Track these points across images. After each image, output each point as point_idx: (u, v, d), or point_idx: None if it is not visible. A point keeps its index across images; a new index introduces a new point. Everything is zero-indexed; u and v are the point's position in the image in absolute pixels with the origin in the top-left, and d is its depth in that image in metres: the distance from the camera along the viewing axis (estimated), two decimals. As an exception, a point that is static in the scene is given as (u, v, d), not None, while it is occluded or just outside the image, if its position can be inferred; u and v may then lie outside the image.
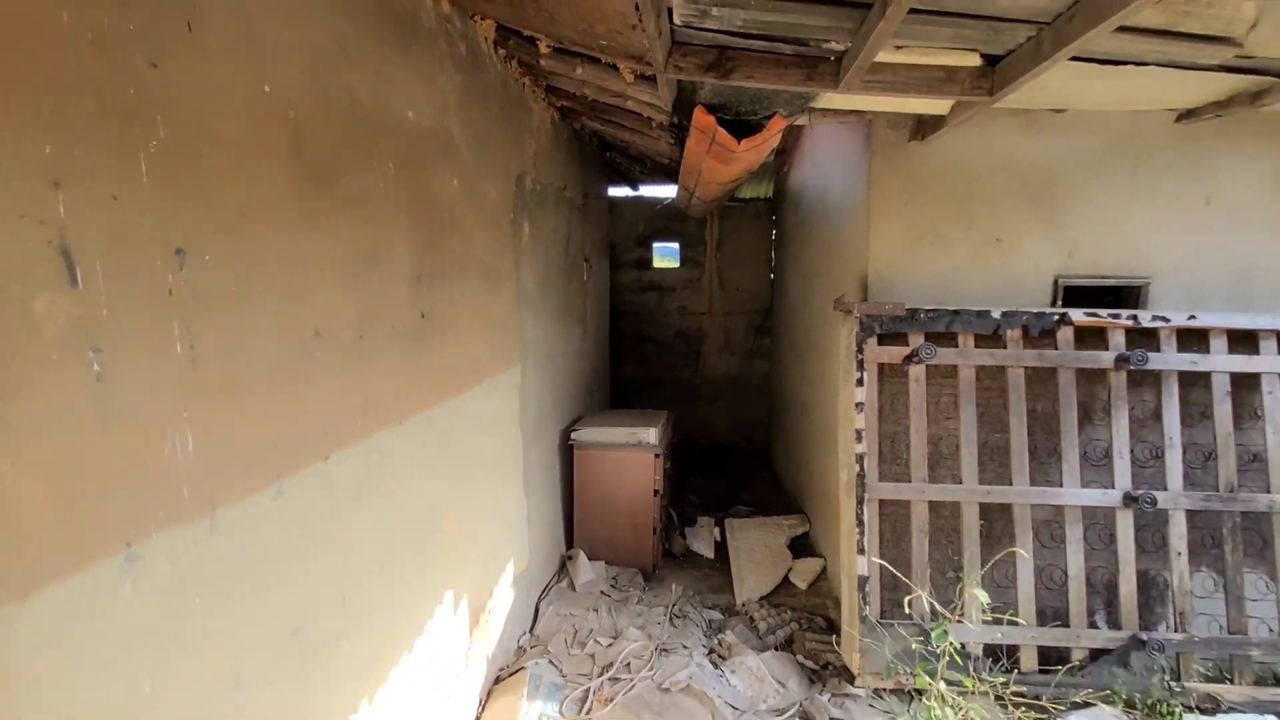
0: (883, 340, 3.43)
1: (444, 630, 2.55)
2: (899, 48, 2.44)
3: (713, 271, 7.49)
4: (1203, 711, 3.07)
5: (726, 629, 3.81)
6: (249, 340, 1.45)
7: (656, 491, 4.33)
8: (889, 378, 3.48)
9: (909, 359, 3.39)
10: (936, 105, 2.94)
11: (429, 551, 2.43)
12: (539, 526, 3.91)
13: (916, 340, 3.40)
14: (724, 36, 2.42)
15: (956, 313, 3.38)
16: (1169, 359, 3.32)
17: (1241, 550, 3.27)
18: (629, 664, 3.28)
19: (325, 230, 1.73)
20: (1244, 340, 3.35)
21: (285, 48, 1.57)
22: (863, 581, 3.30)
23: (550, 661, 3.32)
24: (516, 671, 3.17)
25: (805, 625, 3.90)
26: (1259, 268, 3.58)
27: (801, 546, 4.93)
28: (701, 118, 2.98)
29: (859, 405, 3.37)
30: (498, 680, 3.16)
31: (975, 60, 2.50)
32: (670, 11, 2.25)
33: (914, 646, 3.02)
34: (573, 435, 4.33)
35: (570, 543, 4.49)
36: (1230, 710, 3.06)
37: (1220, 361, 3.31)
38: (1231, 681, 3.19)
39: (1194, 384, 3.37)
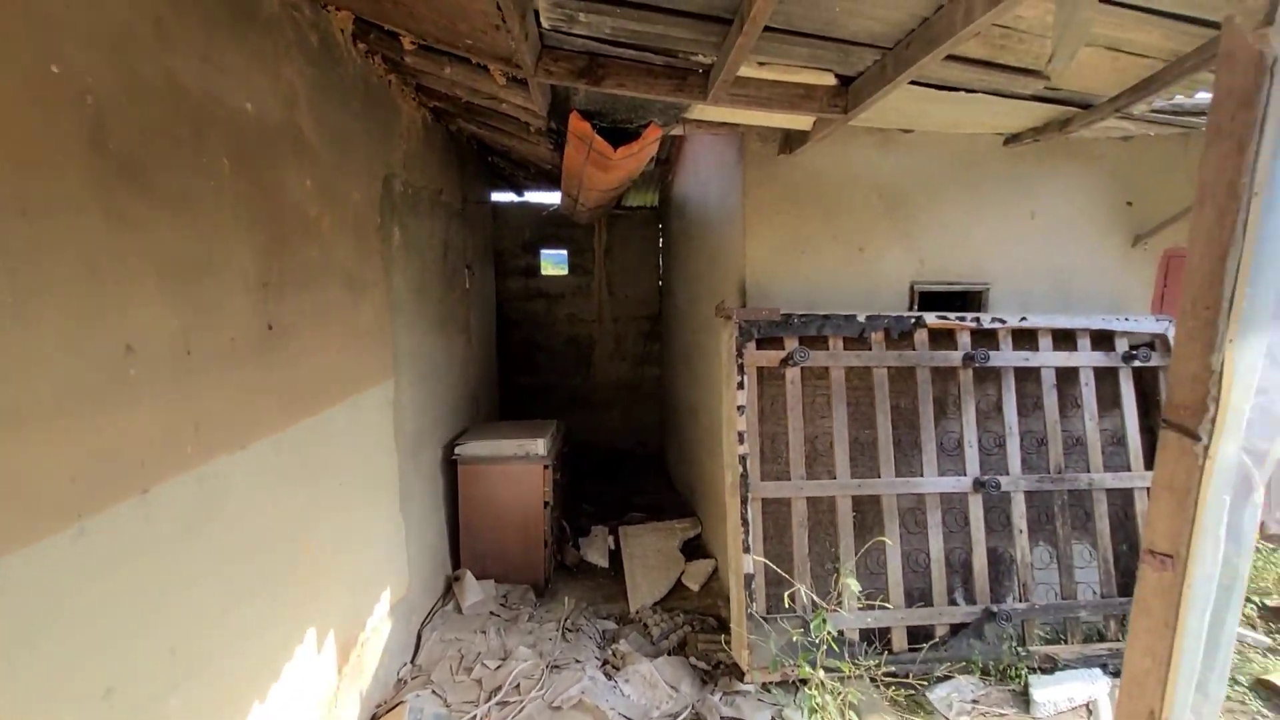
0: (761, 344, 3.56)
1: (307, 671, 2.33)
2: (762, 64, 2.55)
3: (602, 279, 7.52)
4: (1043, 671, 3.41)
5: (620, 638, 3.78)
6: (33, 359, 1.25)
7: (547, 504, 4.24)
8: (768, 380, 3.62)
9: (785, 362, 3.54)
10: (800, 121, 3.10)
11: (286, 586, 2.22)
12: (420, 548, 3.70)
13: (792, 344, 3.56)
14: (594, 43, 2.41)
15: (827, 317, 3.57)
16: (1007, 356, 3.70)
17: (1070, 524, 3.69)
18: (519, 685, 3.17)
19: (140, 232, 1.53)
20: (1065, 338, 3.79)
21: (80, 24, 1.37)
22: (749, 579, 3.39)
23: (434, 691, 3.14)
24: (395, 706, 2.96)
25: (698, 627, 3.95)
26: (1075, 273, 4.08)
27: (694, 549, 5.01)
28: (578, 124, 2.96)
29: (740, 408, 3.47)
30: (374, 718, 2.94)
31: (830, 80, 2.65)
32: (537, 15, 2.21)
33: (795, 639, 3.14)
34: (456, 450, 4.15)
35: (457, 563, 4.30)
36: (1065, 667, 3.42)
37: (1047, 358, 3.73)
38: (1065, 641, 3.58)
39: (1027, 378, 3.77)
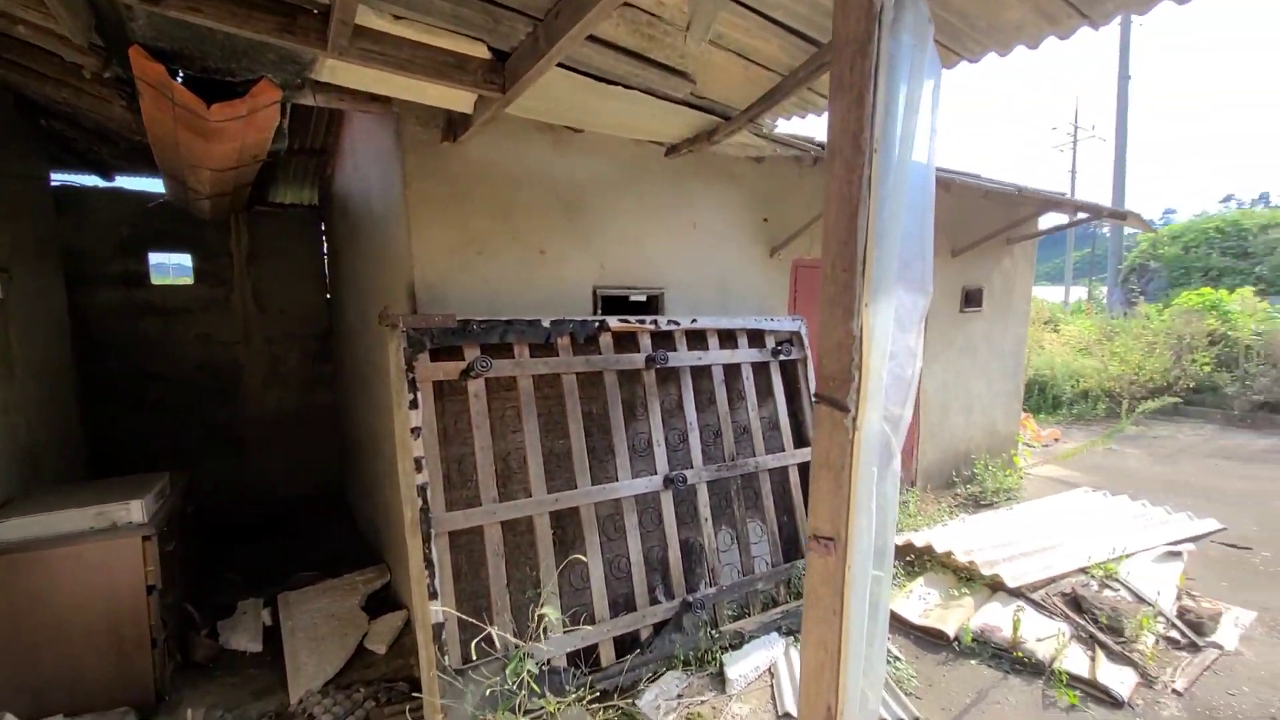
0: (436, 355, 3.11)
1: None
2: (399, 18, 2.14)
3: (246, 289, 6.10)
4: (734, 647, 3.61)
5: (275, 745, 2.92)
6: None
7: (153, 587, 3.09)
8: (449, 396, 3.18)
9: (466, 373, 3.15)
10: (458, 99, 2.74)
11: None
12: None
13: (473, 353, 3.19)
14: (139, -63, 1.71)
15: (510, 323, 3.29)
16: (683, 357, 3.88)
17: (744, 505, 4.02)
18: None
19: None
20: (728, 338, 4.15)
21: None
22: (438, 630, 2.89)
23: None
24: None
25: (384, 699, 3.29)
26: (731, 279, 4.53)
27: (382, 601, 4.27)
28: (145, 65, 2.13)
29: (415, 430, 2.96)
30: None
31: (484, 51, 2.36)
32: None
33: (489, 691, 2.75)
34: (-21, 538, 2.77)
35: (-10, 708, 2.87)
36: (751, 638, 3.68)
37: (716, 356, 4.03)
38: (749, 615, 3.86)
39: (701, 376, 4.01)
